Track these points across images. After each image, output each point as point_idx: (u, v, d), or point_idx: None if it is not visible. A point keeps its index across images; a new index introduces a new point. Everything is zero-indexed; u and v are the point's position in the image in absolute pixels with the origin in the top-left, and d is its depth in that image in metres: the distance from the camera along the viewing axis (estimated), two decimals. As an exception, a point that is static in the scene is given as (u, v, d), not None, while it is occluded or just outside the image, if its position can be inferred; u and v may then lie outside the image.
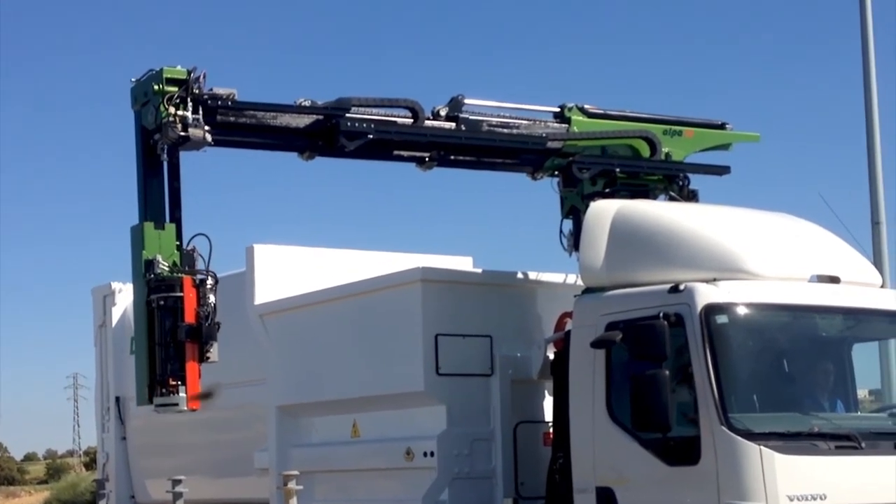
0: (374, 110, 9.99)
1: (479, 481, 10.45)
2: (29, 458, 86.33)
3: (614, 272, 9.57)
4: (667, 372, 8.67)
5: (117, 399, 14.33)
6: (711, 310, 8.85)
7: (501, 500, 10.33)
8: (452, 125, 10.16)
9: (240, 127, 9.62)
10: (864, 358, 10.07)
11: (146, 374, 9.21)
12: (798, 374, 9.44)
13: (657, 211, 9.95)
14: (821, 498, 8.59)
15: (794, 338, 9.42)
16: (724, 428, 8.61)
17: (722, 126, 11.27)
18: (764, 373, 9.24)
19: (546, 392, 10.46)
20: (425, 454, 10.49)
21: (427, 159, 10.23)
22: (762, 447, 8.53)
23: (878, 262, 14.60)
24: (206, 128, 9.26)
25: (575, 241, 10.11)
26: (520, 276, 10.92)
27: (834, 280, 9.61)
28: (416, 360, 10.47)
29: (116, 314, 14.44)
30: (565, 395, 9.64)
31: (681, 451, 8.79)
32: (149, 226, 9.28)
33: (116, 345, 14.38)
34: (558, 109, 10.53)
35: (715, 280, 9.07)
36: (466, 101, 10.23)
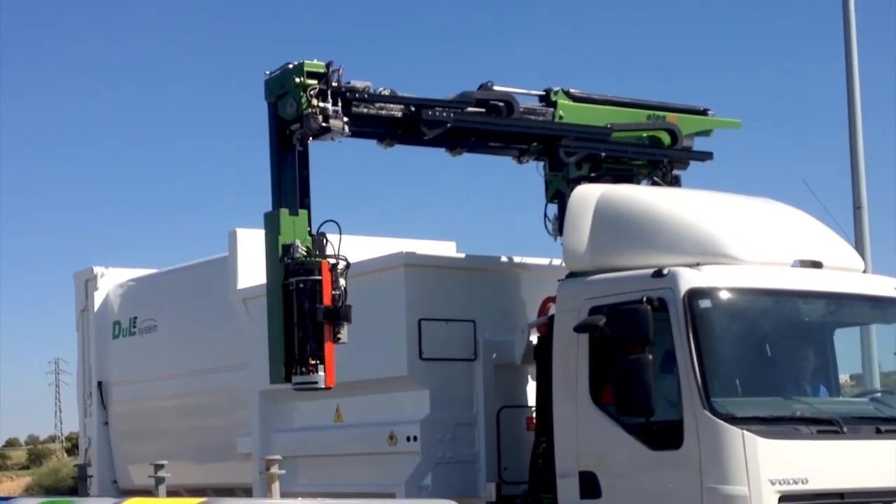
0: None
1: (463, 466, 10.46)
2: (10, 443, 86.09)
3: (598, 256, 9.58)
4: (650, 356, 8.69)
5: (99, 384, 14.30)
6: (694, 294, 8.87)
7: (484, 484, 10.34)
8: (532, 116, 10.45)
9: (370, 118, 9.95)
10: (845, 343, 10.11)
11: (282, 354, 9.46)
12: (780, 358, 9.47)
13: (641, 196, 9.96)
14: (802, 482, 8.63)
15: (776, 322, 9.45)
16: (706, 412, 8.63)
17: (704, 112, 11.28)
18: (746, 357, 9.27)
19: (529, 377, 10.48)
20: (408, 439, 10.50)
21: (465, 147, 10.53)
22: (744, 431, 8.56)
23: (860, 247, 14.68)
24: (345, 119, 9.61)
25: (559, 225, 10.11)
26: (503, 260, 10.93)
27: (816, 265, 9.64)
28: (400, 345, 10.47)
29: (98, 298, 14.39)
30: (548, 380, 9.65)
31: (663, 435, 8.81)
32: (284, 212, 9.57)
33: (99, 329, 14.34)
34: (544, 93, 10.52)
35: (698, 264, 9.08)
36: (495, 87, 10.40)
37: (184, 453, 12.88)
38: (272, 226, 9.62)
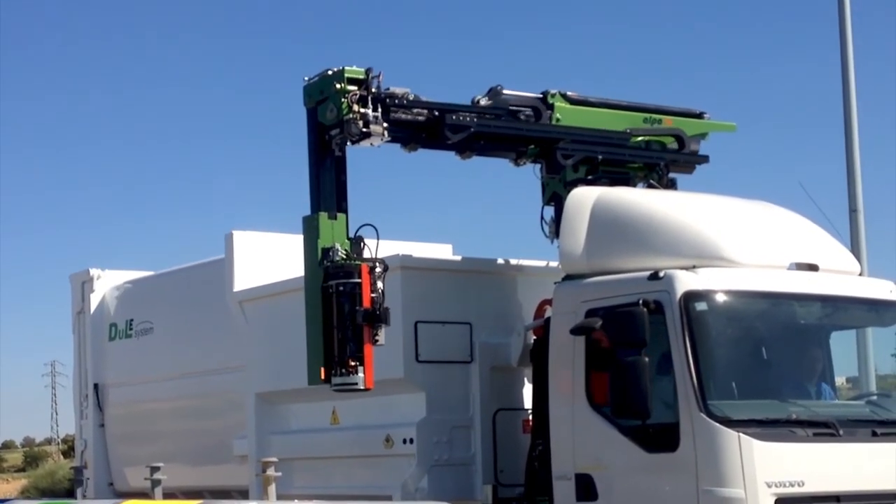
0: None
1: (459, 468, 10.47)
2: (6, 445, 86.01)
3: (594, 259, 9.58)
4: (646, 359, 8.70)
5: (95, 386, 14.30)
6: (691, 297, 8.88)
7: (481, 487, 10.34)
8: (548, 122, 10.55)
9: (404, 123, 10.05)
10: (842, 346, 10.12)
11: (321, 355, 9.55)
12: (776, 361, 9.48)
13: (637, 198, 9.97)
14: (798, 484, 8.64)
15: (772, 325, 9.46)
16: (702, 415, 8.64)
17: (700, 115, 11.30)
18: (743, 360, 9.28)
19: (525, 379, 10.48)
20: (405, 441, 10.50)
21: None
22: (741, 434, 8.57)
23: (855, 250, 14.67)
24: (385, 124, 9.72)
25: (556, 227, 10.11)
26: (500, 263, 10.93)
27: (812, 268, 9.65)
28: (396, 348, 10.45)
29: (95, 301, 14.39)
30: (545, 383, 9.65)
31: (660, 437, 8.82)
32: (323, 216, 9.69)
33: (95, 331, 14.34)
34: (541, 96, 10.54)
35: (694, 267, 9.09)
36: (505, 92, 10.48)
37: (180, 455, 12.88)
38: (311, 229, 9.74)
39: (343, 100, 9.61)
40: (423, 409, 10.47)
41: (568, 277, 9.74)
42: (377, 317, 9.45)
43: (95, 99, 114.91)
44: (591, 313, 9.24)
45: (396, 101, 9.87)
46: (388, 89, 9.87)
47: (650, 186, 10.65)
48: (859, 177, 15.76)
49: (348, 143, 9.81)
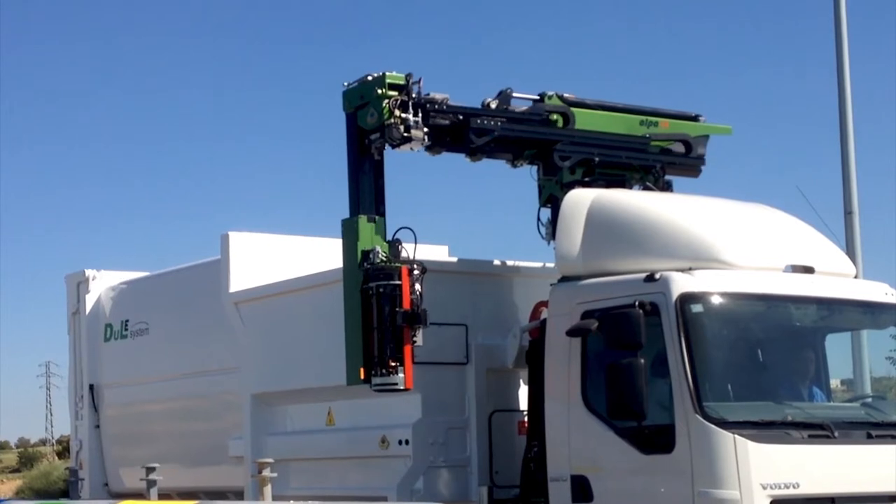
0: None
1: (454, 470, 10.47)
2: (1, 446, 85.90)
3: (590, 261, 9.59)
4: (642, 360, 8.70)
5: (91, 387, 14.29)
6: (686, 299, 8.89)
7: (476, 488, 10.34)
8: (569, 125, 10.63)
9: (444, 129, 10.18)
10: (837, 348, 10.13)
11: (360, 356, 9.69)
12: (772, 363, 9.49)
13: (633, 200, 9.98)
14: (794, 486, 8.65)
15: (768, 327, 9.47)
16: (698, 416, 8.65)
17: (696, 118, 11.31)
18: (738, 362, 9.29)
19: (521, 381, 10.48)
20: (400, 442, 10.50)
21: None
22: (736, 436, 8.58)
23: (851, 252, 14.68)
24: (425, 129, 9.89)
25: (552, 229, 10.12)
26: (496, 264, 10.94)
27: (808, 270, 9.66)
28: (391, 349, 10.46)
29: (90, 301, 14.39)
30: (541, 384, 9.66)
31: (655, 439, 8.83)
32: (363, 219, 9.86)
33: (90, 332, 14.33)
34: (538, 97, 10.56)
35: (690, 269, 9.10)
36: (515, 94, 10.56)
37: (175, 456, 12.87)
38: (351, 232, 9.91)
39: (384, 104, 9.78)
40: (419, 410, 10.47)
41: (564, 279, 9.74)
42: (416, 317, 9.62)
43: (91, 99, 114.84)
44: (587, 315, 9.25)
45: (436, 106, 10.01)
46: (427, 94, 10.04)
47: (646, 188, 10.67)
48: (854, 179, 15.79)
49: (387, 148, 9.98)
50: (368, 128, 9.94)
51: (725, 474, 8.55)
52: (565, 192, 10.04)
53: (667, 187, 10.85)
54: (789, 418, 8.92)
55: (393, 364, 9.59)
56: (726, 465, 8.55)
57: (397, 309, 9.57)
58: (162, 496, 11.93)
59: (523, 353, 10.22)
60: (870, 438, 9.10)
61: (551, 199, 10.35)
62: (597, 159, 10.42)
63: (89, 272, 14.46)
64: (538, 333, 9.92)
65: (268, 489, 10.26)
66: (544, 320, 9.86)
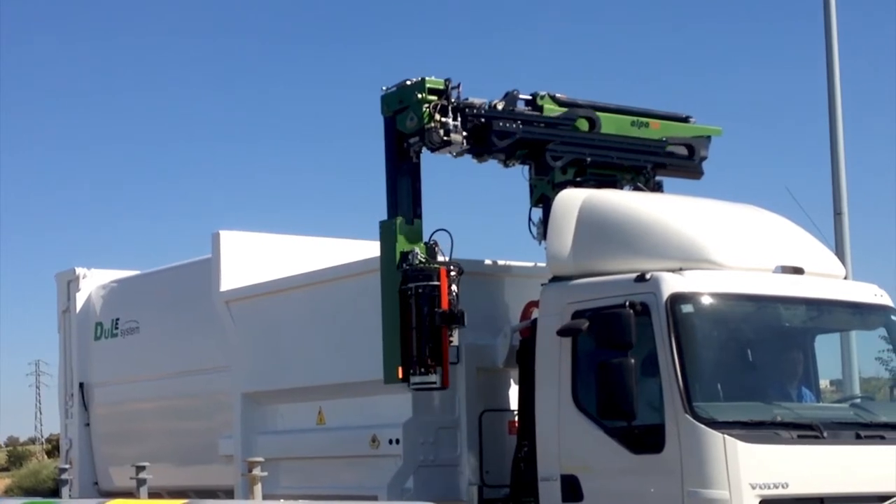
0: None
1: (445, 469, 10.47)
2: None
3: (581, 261, 9.61)
4: (632, 360, 8.72)
5: (81, 385, 14.28)
6: (677, 299, 8.91)
7: (466, 488, 10.35)
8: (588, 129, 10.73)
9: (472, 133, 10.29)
10: (826, 348, 10.17)
11: (398, 355, 9.88)
12: (761, 363, 9.52)
13: (624, 201, 10.00)
14: (783, 486, 8.68)
15: (758, 328, 9.50)
16: (688, 416, 8.67)
17: (686, 119, 11.33)
18: (728, 362, 9.32)
19: (512, 380, 10.49)
20: (391, 442, 10.51)
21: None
22: (725, 436, 8.60)
23: (840, 253, 14.72)
24: (464, 133, 10.04)
25: (544, 229, 10.14)
26: (486, 263, 10.94)
27: (798, 271, 9.69)
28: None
29: (80, 300, 14.37)
30: (531, 384, 9.67)
31: (645, 439, 8.84)
32: (401, 221, 10.08)
33: (80, 331, 14.32)
34: (530, 97, 10.58)
35: (681, 269, 9.13)
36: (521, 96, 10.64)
37: (166, 455, 12.87)
38: (389, 234, 10.10)
39: (424, 109, 9.93)
40: (410, 409, 10.48)
41: (555, 279, 9.76)
42: (455, 318, 9.82)
43: (81, 98, 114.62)
44: (577, 315, 9.27)
45: (475, 111, 10.13)
46: (466, 99, 10.16)
47: (637, 189, 10.69)
48: (844, 179, 15.83)
49: (431, 152, 10.13)
50: (407, 131, 10.13)
51: (715, 474, 8.57)
52: (557, 192, 10.06)
53: (657, 188, 10.88)
54: (779, 418, 8.95)
55: (431, 363, 9.78)
56: (716, 465, 8.57)
57: (436, 309, 9.77)
58: (152, 495, 11.92)
59: (514, 352, 10.23)
60: (859, 439, 9.13)
61: (543, 198, 10.36)
62: (588, 159, 10.44)
63: (80, 270, 14.44)
64: (529, 333, 9.93)
65: (258, 488, 10.25)
66: (535, 320, 9.87)
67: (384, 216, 10.23)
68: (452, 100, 10.06)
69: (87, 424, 14.28)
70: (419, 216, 10.16)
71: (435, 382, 9.82)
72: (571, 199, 9.87)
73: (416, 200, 10.20)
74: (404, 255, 9.98)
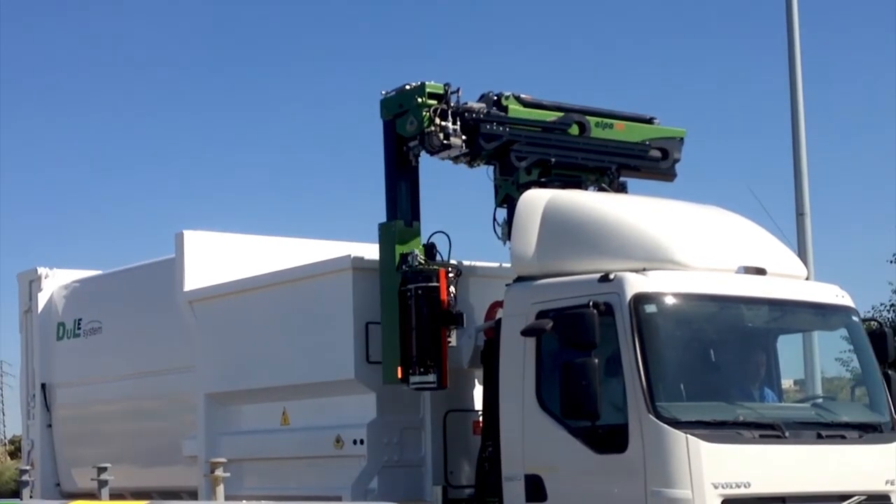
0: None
1: (409, 469, 10.48)
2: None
3: (545, 261, 9.64)
4: (596, 360, 8.75)
5: (43, 386, 14.18)
6: (640, 299, 8.95)
7: (431, 488, 10.36)
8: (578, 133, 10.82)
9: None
10: (789, 349, 10.24)
11: (398, 355, 10.02)
12: (724, 363, 9.58)
13: (588, 201, 10.04)
14: (745, 486, 8.73)
15: (721, 328, 9.55)
16: (651, 416, 8.71)
17: (650, 120, 11.37)
18: (691, 362, 9.37)
19: (476, 381, 10.50)
20: (355, 442, 10.50)
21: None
22: (688, 435, 8.65)
23: (802, 254, 14.86)
24: (463, 137, 10.17)
25: (508, 229, 10.17)
26: (452, 263, 10.94)
27: (760, 271, 9.75)
28: (347, 348, 10.47)
29: (43, 300, 14.27)
30: (495, 384, 9.69)
31: (609, 439, 8.88)
32: (400, 223, 10.26)
33: (43, 331, 14.22)
34: (495, 98, 10.61)
35: (644, 270, 9.16)
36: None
37: (129, 456, 12.81)
38: (389, 236, 10.26)
39: (424, 113, 10.07)
40: (374, 410, 10.48)
41: (519, 279, 9.78)
42: (454, 318, 10.00)
43: (40, 90, 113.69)
44: (541, 315, 9.29)
45: (474, 115, 10.24)
46: (465, 104, 10.28)
47: (601, 190, 10.72)
48: (806, 181, 15.96)
49: (431, 155, 10.25)
50: (407, 135, 10.27)
51: (678, 474, 8.62)
52: (521, 193, 10.09)
53: (621, 188, 10.91)
54: (741, 418, 9.00)
55: (430, 364, 9.90)
56: (679, 465, 8.62)
57: (435, 310, 9.90)
58: (115, 496, 11.86)
59: (478, 352, 10.25)
60: (820, 438, 9.20)
61: (507, 199, 10.39)
62: (553, 160, 10.47)
63: (42, 270, 14.35)
64: (493, 333, 9.95)
65: (220, 489, 10.22)
66: (499, 320, 9.89)
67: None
68: (452, 104, 10.22)
69: (50, 425, 14.18)
70: (418, 218, 10.34)
71: (433, 383, 9.94)
72: (536, 200, 9.90)
73: (415, 203, 10.40)
74: (404, 256, 10.15)
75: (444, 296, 10.00)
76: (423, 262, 10.13)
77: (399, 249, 10.18)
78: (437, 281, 10.00)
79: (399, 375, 10.02)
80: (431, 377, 9.93)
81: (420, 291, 9.97)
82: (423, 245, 10.30)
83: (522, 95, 10.71)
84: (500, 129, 10.34)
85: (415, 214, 10.36)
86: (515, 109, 10.64)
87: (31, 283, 14.43)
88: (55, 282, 14.32)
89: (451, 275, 10.14)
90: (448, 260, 10.28)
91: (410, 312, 9.99)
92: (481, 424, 10.16)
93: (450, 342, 10.05)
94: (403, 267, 10.12)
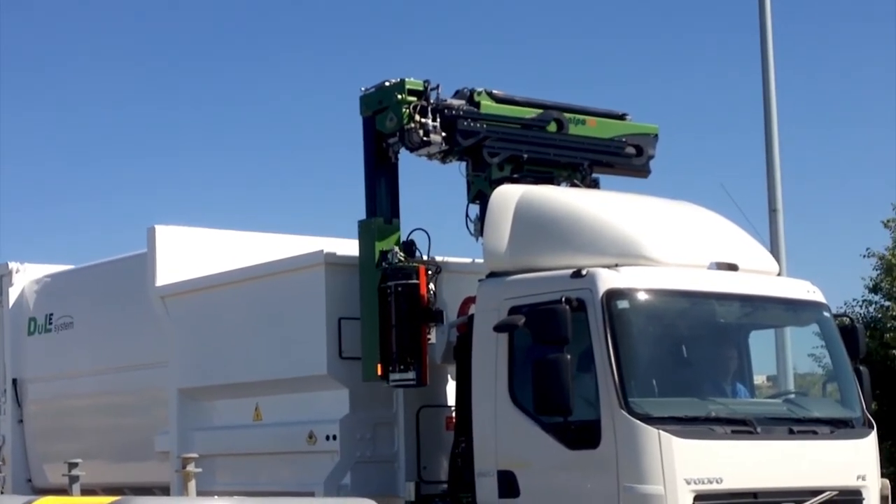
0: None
1: (382, 465, 10.47)
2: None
3: (518, 257, 9.64)
4: (568, 356, 8.76)
5: (14, 381, 14.08)
6: (613, 295, 8.96)
7: (404, 483, 10.36)
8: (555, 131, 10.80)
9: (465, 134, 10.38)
10: (761, 344, 10.27)
11: (377, 352, 10.02)
12: (697, 359, 9.60)
13: (561, 197, 10.04)
14: (717, 481, 8.76)
15: (693, 324, 9.57)
16: (623, 412, 8.72)
17: (622, 117, 11.37)
18: (663, 358, 9.39)
19: (449, 376, 10.51)
20: (328, 438, 10.49)
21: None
22: (661, 431, 8.67)
23: (775, 250, 14.90)
24: (443, 134, 10.15)
25: (481, 225, 10.17)
26: (424, 259, 10.94)
27: (732, 267, 9.77)
28: (320, 344, 10.46)
29: (13, 294, 14.16)
30: (468, 380, 9.69)
31: (581, 435, 8.89)
32: (379, 220, 10.26)
33: (13, 326, 14.12)
34: (469, 94, 10.60)
35: (616, 266, 9.17)
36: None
37: (101, 452, 12.74)
38: (368, 233, 10.25)
39: (404, 110, 10.07)
40: (347, 405, 10.47)
41: (492, 275, 9.78)
42: (433, 315, 10.02)
43: (7, 87, 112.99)
44: (514, 310, 9.29)
45: (453, 112, 10.23)
46: (444, 101, 10.28)
47: (573, 185, 10.73)
48: (779, 177, 16.01)
49: (410, 152, 10.23)
50: (387, 131, 10.26)
51: (650, 469, 8.64)
52: (494, 189, 10.08)
53: (594, 184, 10.92)
54: (713, 414, 9.03)
55: (410, 361, 9.91)
56: (651, 461, 8.64)
57: (415, 307, 9.92)
58: (87, 492, 11.79)
59: (451, 348, 10.24)
60: (791, 434, 9.24)
61: (480, 195, 10.38)
62: (525, 156, 10.47)
63: (13, 265, 14.24)
64: (466, 329, 9.95)
65: (192, 484, 10.18)
66: (472, 316, 9.88)
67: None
68: (431, 101, 10.21)
69: (21, 421, 14.09)
70: (397, 215, 10.34)
71: (413, 379, 9.95)
72: (508, 195, 9.89)
73: (395, 200, 10.41)
74: (383, 253, 10.14)
75: (423, 293, 10.01)
76: (402, 259, 10.14)
77: (379, 246, 10.19)
78: (417, 278, 10.02)
79: (379, 372, 10.02)
80: (411, 374, 9.94)
81: (400, 288, 9.98)
82: (403, 242, 10.30)
83: (495, 91, 10.70)
84: (478, 125, 10.32)
85: (394, 211, 10.37)
86: (488, 105, 10.63)
87: (2, 278, 14.31)
88: (26, 276, 14.22)
89: (430, 272, 10.16)
90: (427, 257, 10.28)
91: (390, 309, 10.00)
92: (454, 420, 10.16)
93: (429, 339, 10.05)
94: (383, 264, 10.12)
